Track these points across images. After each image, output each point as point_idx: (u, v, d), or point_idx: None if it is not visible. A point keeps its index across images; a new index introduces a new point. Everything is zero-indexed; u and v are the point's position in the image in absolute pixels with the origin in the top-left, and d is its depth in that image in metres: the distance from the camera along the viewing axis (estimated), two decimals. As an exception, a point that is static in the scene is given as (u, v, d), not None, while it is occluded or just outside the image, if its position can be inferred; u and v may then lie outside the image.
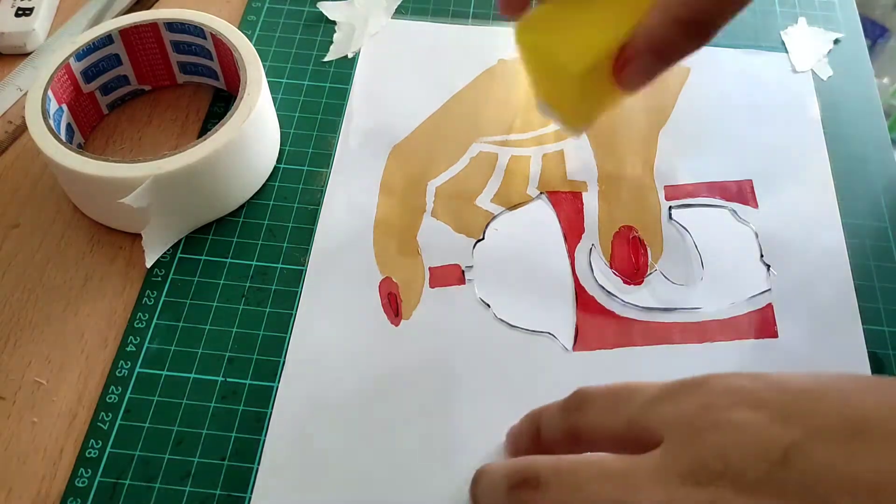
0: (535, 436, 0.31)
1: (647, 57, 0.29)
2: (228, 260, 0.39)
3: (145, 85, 0.45)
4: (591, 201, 0.42)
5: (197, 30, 0.42)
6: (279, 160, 0.43)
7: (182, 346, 0.37)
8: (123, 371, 0.36)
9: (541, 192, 0.42)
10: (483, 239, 0.40)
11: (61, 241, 0.40)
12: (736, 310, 0.38)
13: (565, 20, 0.30)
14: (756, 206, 0.42)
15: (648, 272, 0.39)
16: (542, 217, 0.41)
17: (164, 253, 0.39)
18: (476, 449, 0.34)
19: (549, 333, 0.37)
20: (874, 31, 1.19)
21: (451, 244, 0.40)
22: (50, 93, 0.39)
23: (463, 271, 0.39)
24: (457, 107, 0.46)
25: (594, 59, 0.30)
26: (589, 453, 0.28)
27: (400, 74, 0.47)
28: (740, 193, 0.42)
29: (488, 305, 0.38)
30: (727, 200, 0.42)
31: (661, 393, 0.26)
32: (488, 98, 0.46)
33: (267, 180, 0.42)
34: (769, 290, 0.39)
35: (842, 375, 0.25)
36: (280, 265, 0.39)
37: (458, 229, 0.40)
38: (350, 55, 0.48)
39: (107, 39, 0.42)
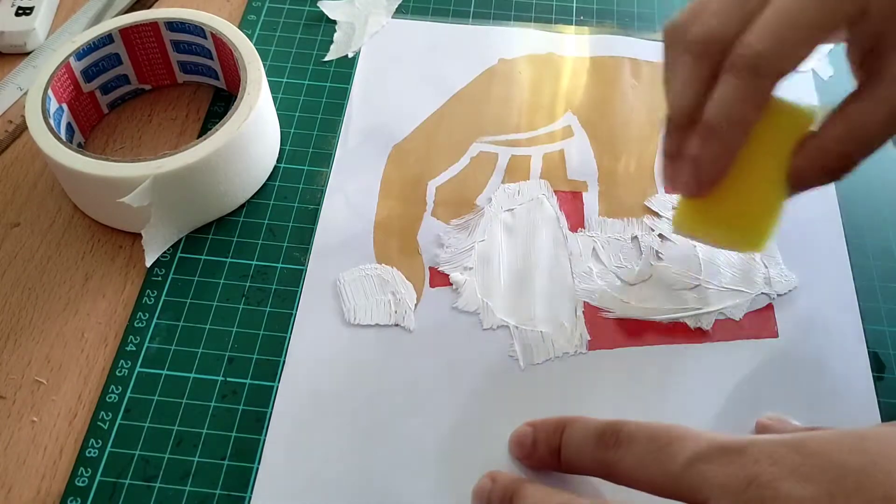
0: (554, 450, 0.31)
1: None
2: (228, 259, 0.39)
3: (145, 84, 0.45)
4: (591, 201, 0.42)
5: (197, 29, 0.42)
6: (279, 160, 0.43)
7: (182, 345, 0.37)
8: (123, 370, 0.36)
9: (542, 184, 0.42)
10: (483, 239, 0.40)
11: (61, 240, 0.40)
12: (736, 310, 0.38)
13: (730, 196, 0.32)
14: (756, 206, 0.42)
15: (648, 273, 0.39)
16: (542, 216, 0.41)
17: (165, 252, 0.39)
18: (477, 449, 0.34)
19: (550, 333, 0.37)
20: (874, 31, 1.18)
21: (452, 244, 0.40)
22: (50, 92, 0.39)
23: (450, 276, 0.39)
24: (457, 106, 0.46)
25: (772, 233, 0.32)
26: None
27: (400, 74, 0.47)
28: (740, 193, 0.42)
29: (489, 305, 0.38)
30: (727, 200, 0.42)
31: (705, 452, 0.26)
32: (488, 98, 0.46)
33: (267, 180, 0.42)
34: (769, 290, 0.39)
35: (885, 441, 0.25)
36: (280, 265, 0.39)
37: (458, 229, 0.40)
38: (350, 55, 0.48)
39: (107, 39, 0.42)
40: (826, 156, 0.30)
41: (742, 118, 0.30)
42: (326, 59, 0.48)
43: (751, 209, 0.32)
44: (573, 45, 0.49)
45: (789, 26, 0.28)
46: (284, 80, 0.47)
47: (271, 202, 0.41)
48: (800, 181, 0.31)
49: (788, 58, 0.28)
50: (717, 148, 0.30)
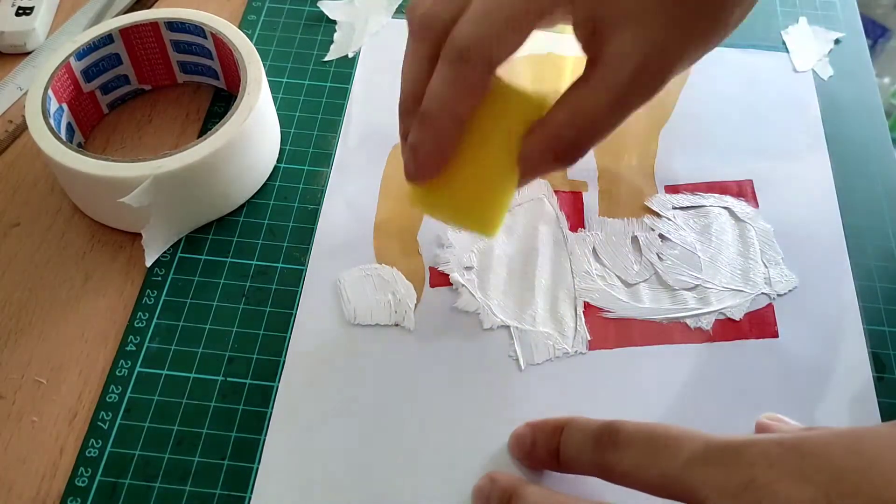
0: (553, 450, 0.31)
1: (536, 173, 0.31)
2: (228, 259, 0.39)
3: (145, 84, 0.45)
4: (591, 201, 0.42)
5: (197, 29, 0.42)
6: (279, 160, 0.43)
7: (182, 345, 0.37)
8: (123, 370, 0.36)
9: (542, 184, 0.42)
10: (484, 239, 0.40)
11: (61, 240, 0.40)
12: (736, 310, 0.38)
13: (458, 181, 0.31)
14: (756, 205, 0.42)
15: (648, 273, 0.39)
16: (542, 216, 0.41)
17: (165, 252, 0.39)
18: (477, 449, 0.34)
19: (550, 333, 0.37)
20: (875, 31, 1.19)
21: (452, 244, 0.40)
22: (50, 92, 0.39)
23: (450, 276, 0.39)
24: (457, 106, 0.46)
25: (501, 218, 0.32)
26: None
27: (400, 74, 0.47)
28: (740, 193, 0.42)
29: (488, 305, 0.38)
30: (727, 200, 0.42)
31: (703, 453, 0.26)
32: (488, 98, 0.46)
33: (267, 180, 0.42)
34: (769, 290, 0.39)
35: (882, 441, 0.25)
36: (280, 265, 0.39)
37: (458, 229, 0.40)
38: (350, 54, 0.48)
39: (107, 39, 0.42)
40: (552, 141, 0.29)
41: (454, 107, 0.29)
42: (326, 59, 0.48)
43: (480, 195, 0.32)
44: (573, 45, 0.49)
45: (495, 12, 0.27)
46: (284, 80, 0.46)
47: (271, 202, 0.41)
48: (529, 167, 0.30)
49: (497, 46, 0.28)
50: (433, 136, 0.30)
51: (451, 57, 0.28)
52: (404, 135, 0.32)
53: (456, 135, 0.30)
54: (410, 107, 0.31)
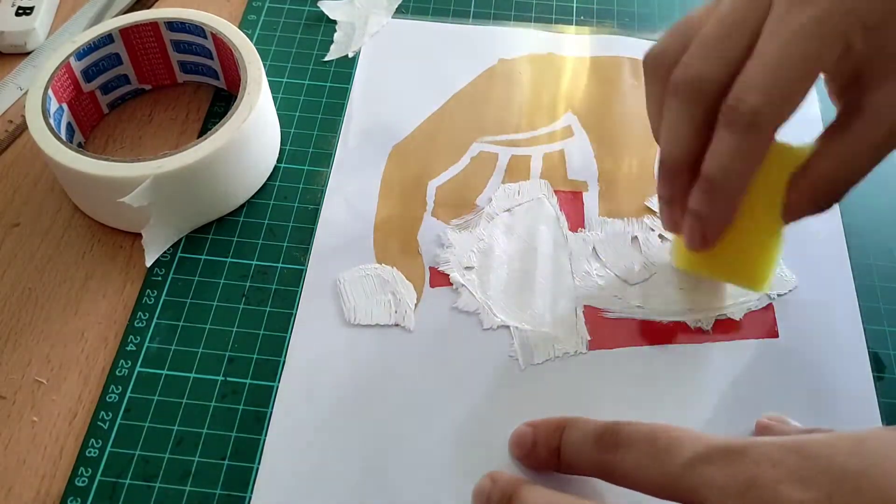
0: (553, 450, 0.31)
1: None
2: (228, 259, 0.39)
3: (145, 84, 0.45)
4: (591, 201, 0.42)
5: (197, 29, 0.42)
6: (279, 160, 0.43)
7: (182, 345, 0.37)
8: (124, 370, 0.36)
9: (543, 184, 0.42)
10: (483, 239, 0.40)
11: (61, 240, 0.40)
12: (736, 310, 0.38)
13: (729, 241, 0.32)
14: (756, 206, 0.42)
15: (649, 273, 0.39)
16: (542, 216, 0.41)
17: (165, 252, 0.39)
18: (477, 449, 0.34)
19: (550, 333, 0.37)
20: (874, 31, 1.18)
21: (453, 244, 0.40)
22: (50, 92, 0.39)
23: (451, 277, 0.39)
24: (457, 106, 0.46)
25: (773, 273, 0.34)
26: None
27: (400, 74, 0.47)
28: (741, 193, 0.42)
29: (489, 305, 0.38)
30: (727, 200, 0.42)
31: (705, 453, 0.26)
32: (489, 98, 0.46)
33: (267, 180, 0.42)
34: (769, 290, 0.39)
35: (884, 444, 0.25)
36: (280, 265, 0.39)
37: (458, 229, 0.40)
38: (350, 55, 0.48)
39: (107, 39, 0.42)
40: (816, 191, 0.31)
41: (744, 173, 0.30)
42: (326, 59, 0.48)
43: (751, 253, 0.33)
44: (573, 45, 0.49)
45: (781, 77, 0.28)
46: (284, 80, 0.47)
47: (271, 202, 0.41)
48: (791, 215, 0.32)
49: (784, 108, 0.28)
50: (723, 206, 0.31)
51: (739, 125, 0.28)
52: (668, 199, 0.32)
53: (743, 198, 0.31)
54: (680, 171, 0.31)
